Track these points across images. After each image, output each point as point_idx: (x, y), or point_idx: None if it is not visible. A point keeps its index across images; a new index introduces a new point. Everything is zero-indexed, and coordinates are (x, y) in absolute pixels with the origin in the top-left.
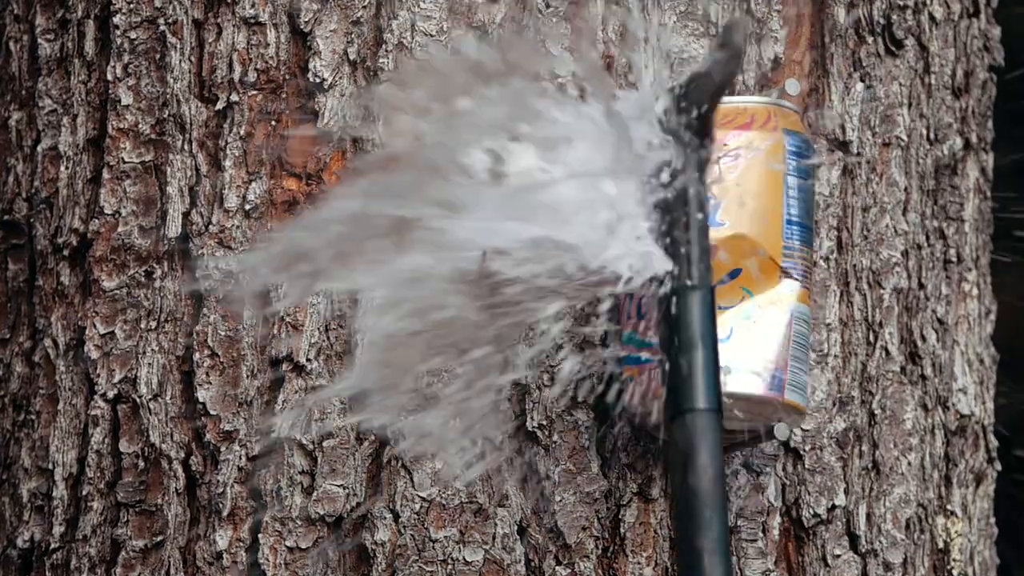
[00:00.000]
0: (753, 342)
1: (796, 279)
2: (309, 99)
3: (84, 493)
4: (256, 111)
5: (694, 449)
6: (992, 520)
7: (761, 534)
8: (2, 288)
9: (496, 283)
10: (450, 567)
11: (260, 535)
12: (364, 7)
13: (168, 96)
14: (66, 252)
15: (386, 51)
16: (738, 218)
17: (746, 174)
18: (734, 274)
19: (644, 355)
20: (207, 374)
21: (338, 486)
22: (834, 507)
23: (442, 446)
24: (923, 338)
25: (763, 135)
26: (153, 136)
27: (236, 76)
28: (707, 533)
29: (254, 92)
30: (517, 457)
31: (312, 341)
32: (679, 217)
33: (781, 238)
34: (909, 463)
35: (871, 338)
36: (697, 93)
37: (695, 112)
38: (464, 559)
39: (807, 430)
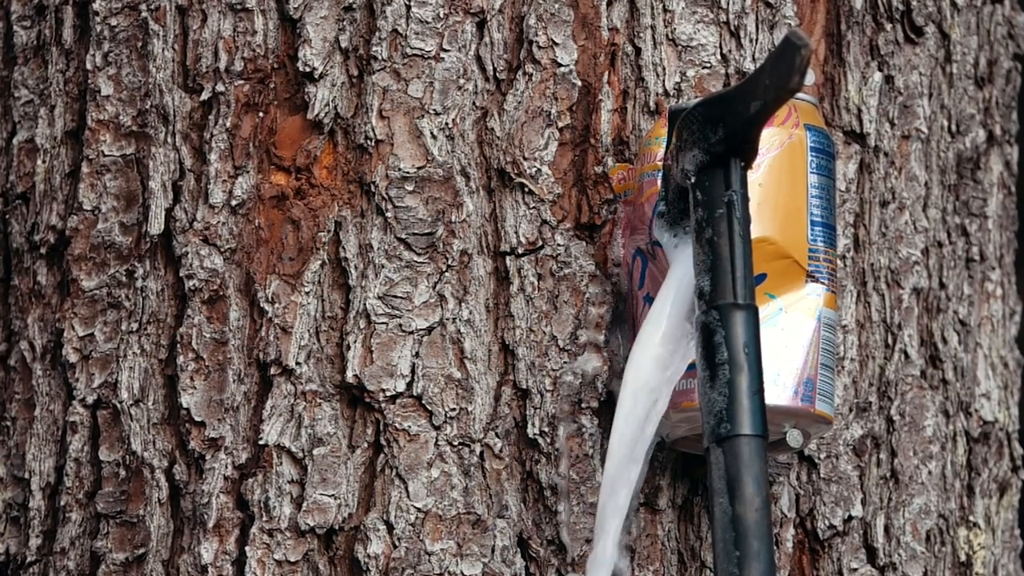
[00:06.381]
0: (781, 350)
1: (822, 282)
2: (298, 89)
3: (62, 503)
4: (243, 102)
5: (740, 477)
6: (1017, 532)
7: (774, 547)
8: None
9: None
10: None
11: (247, 547)
12: None
13: (150, 86)
14: (43, 250)
15: (380, 39)
16: (762, 220)
17: (769, 174)
18: (759, 279)
19: None
20: (191, 378)
21: (329, 496)
22: (851, 518)
23: None
24: (944, 340)
25: (784, 132)
26: (135, 128)
27: (222, 65)
28: (755, 564)
29: (241, 82)
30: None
31: (302, 344)
32: (723, 232)
33: (806, 240)
34: (929, 472)
35: (889, 340)
36: (745, 107)
37: (743, 127)
38: (461, 573)
39: (822, 437)
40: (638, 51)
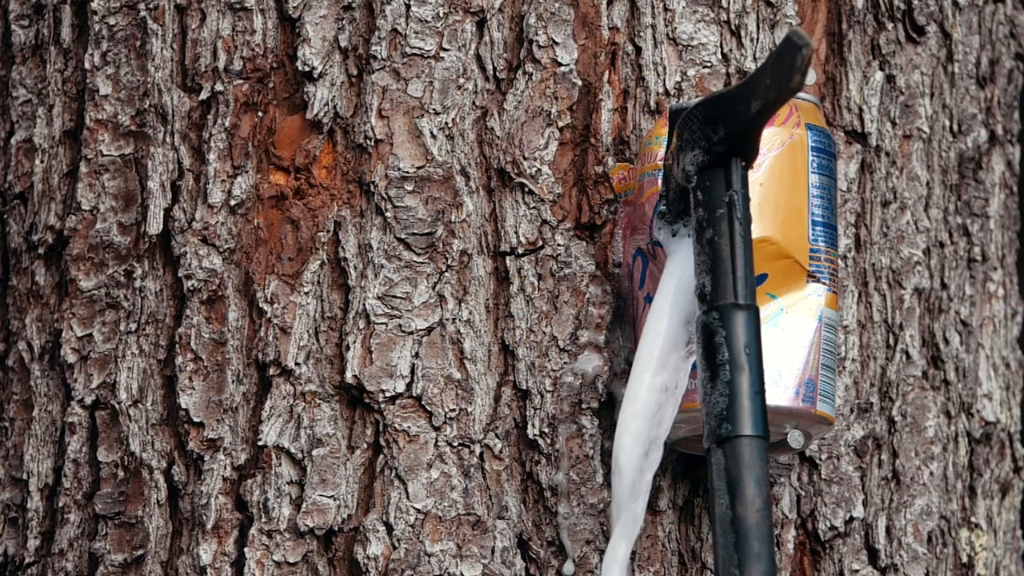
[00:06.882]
0: (782, 351)
1: (823, 283)
2: (298, 88)
3: (60, 504)
4: (242, 101)
5: (741, 479)
6: (1019, 533)
7: (775, 548)
8: None
9: None
10: None
11: (246, 548)
12: None
13: (149, 85)
14: (41, 250)
15: (379, 38)
16: (763, 220)
17: (769, 174)
18: (760, 279)
19: None
20: (190, 379)
21: (328, 497)
22: (852, 519)
23: None
24: (946, 341)
25: (785, 131)
26: (133, 128)
27: (221, 64)
28: (755, 566)
29: (240, 81)
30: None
31: (301, 344)
32: (724, 232)
33: (807, 240)
34: (931, 473)
35: (891, 341)
36: (746, 107)
37: (742, 125)
38: (461, 574)
39: (823, 438)
40: (638, 50)
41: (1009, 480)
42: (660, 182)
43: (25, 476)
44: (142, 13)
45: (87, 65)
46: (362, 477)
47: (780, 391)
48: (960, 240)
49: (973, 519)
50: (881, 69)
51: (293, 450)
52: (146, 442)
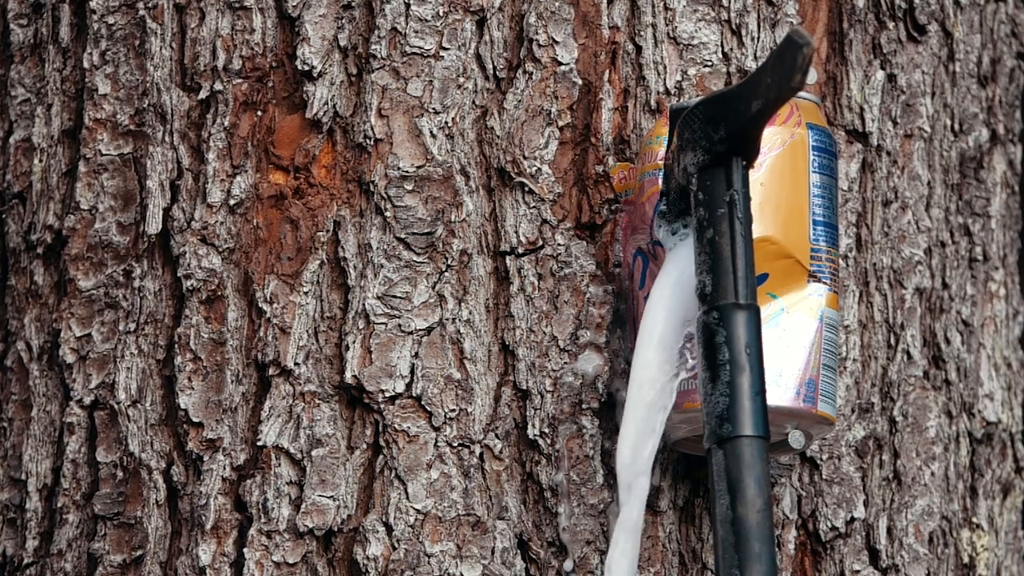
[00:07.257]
0: (783, 351)
1: (824, 282)
2: (297, 87)
3: (59, 505)
4: (241, 101)
5: (742, 479)
6: (1020, 533)
7: (776, 548)
8: None
9: None
10: None
11: (245, 549)
12: None
13: (148, 85)
14: (40, 250)
15: (379, 37)
16: (763, 220)
17: (770, 173)
18: (761, 279)
19: None
20: (189, 379)
21: (328, 497)
22: (853, 520)
23: None
24: (947, 341)
25: (786, 131)
26: (132, 127)
27: (220, 63)
28: (756, 567)
29: (239, 80)
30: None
31: (300, 344)
32: (725, 231)
33: (808, 240)
34: (932, 473)
35: (892, 341)
36: (746, 106)
37: (743, 124)
38: (461, 575)
39: (824, 438)
40: (639, 49)
41: (1010, 480)
42: (661, 181)
43: (24, 476)
44: (141, 12)
45: (86, 64)
46: (362, 477)
47: (781, 391)
48: (961, 240)
49: (974, 519)
50: (882, 68)
51: (292, 450)
52: (145, 442)
